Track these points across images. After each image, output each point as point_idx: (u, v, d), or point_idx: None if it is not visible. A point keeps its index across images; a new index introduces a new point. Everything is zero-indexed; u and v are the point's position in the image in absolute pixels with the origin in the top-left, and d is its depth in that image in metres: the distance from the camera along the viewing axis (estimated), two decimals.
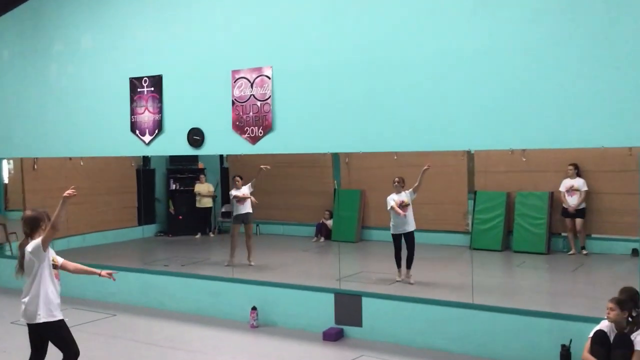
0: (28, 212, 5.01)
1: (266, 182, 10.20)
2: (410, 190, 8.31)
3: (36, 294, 4.79)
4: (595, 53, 5.73)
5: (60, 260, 5.12)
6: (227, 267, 9.40)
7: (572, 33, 5.82)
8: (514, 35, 6.08)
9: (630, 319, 5.13)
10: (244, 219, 9.85)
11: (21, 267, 4.87)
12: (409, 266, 8.26)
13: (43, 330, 4.83)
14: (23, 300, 4.85)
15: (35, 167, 10.12)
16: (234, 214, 10.00)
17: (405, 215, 8.18)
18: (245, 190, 9.81)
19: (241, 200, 9.74)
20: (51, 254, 4.94)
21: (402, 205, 8.21)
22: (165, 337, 7.19)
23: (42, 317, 4.78)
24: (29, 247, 4.79)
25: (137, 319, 7.91)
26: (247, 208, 9.82)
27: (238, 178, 9.93)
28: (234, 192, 9.82)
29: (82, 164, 10.03)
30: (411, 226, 8.30)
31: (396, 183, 8.34)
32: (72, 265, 5.22)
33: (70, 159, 9.70)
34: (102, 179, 11.71)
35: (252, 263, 9.74)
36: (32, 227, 4.88)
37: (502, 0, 6.14)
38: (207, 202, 12.97)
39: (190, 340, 7.08)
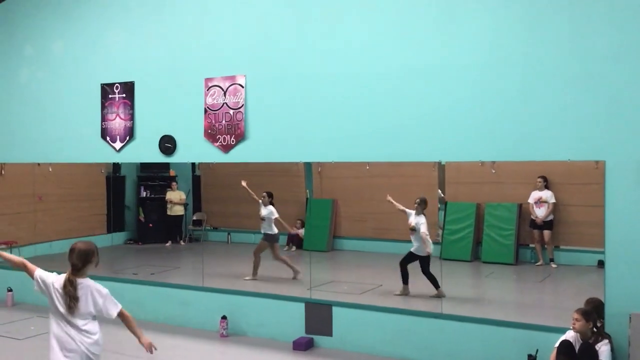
0: (81, 244, 4.62)
1: (237, 190, 10.16)
2: (421, 225, 8.02)
3: (99, 330, 4.66)
4: (563, 68, 5.87)
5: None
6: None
7: (539, 47, 5.96)
8: (484, 49, 6.21)
9: (594, 329, 5.23)
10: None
11: (72, 304, 4.45)
12: (435, 286, 8.01)
13: None
14: (89, 341, 4.58)
15: (3, 172, 9.94)
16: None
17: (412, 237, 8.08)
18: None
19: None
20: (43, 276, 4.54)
21: (410, 228, 8.10)
22: (134, 346, 7.07)
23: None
24: (103, 293, 4.63)
25: (104, 328, 7.75)
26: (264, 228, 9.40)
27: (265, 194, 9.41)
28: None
29: (50, 170, 9.88)
30: (414, 247, 8.13)
31: (416, 205, 8.08)
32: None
33: (39, 165, 9.55)
34: (71, 185, 11.55)
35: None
36: (85, 261, 4.57)
37: (471, 14, 6.27)
38: (178, 210, 12.87)
39: (159, 349, 6.98)
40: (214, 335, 7.41)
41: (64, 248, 12.12)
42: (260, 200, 9.35)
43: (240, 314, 7.49)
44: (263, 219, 9.30)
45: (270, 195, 9.39)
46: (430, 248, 8.10)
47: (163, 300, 8.08)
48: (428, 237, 8.06)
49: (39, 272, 4.51)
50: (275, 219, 9.25)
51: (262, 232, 9.40)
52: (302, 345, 6.88)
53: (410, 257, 8.13)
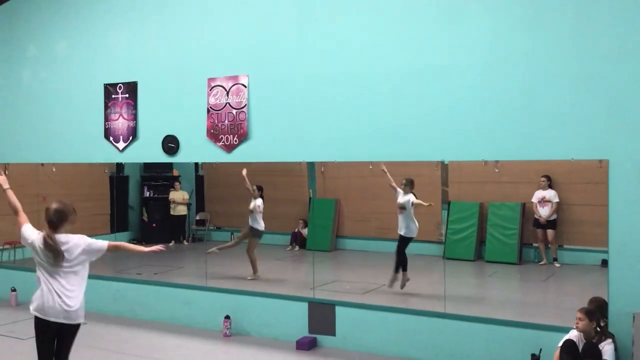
0: (55, 204, 4.73)
1: (240, 190, 10.16)
2: (412, 199, 8.15)
3: (80, 292, 4.64)
4: (565, 67, 5.86)
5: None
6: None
7: (541, 47, 5.95)
8: (486, 48, 6.20)
9: (598, 328, 5.23)
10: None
11: (58, 257, 4.57)
12: (403, 269, 8.16)
13: (68, 331, 4.65)
14: (62, 296, 4.56)
15: (7, 172, 9.95)
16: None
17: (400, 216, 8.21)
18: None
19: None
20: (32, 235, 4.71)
21: (398, 207, 8.21)
22: (137, 346, 7.12)
23: (81, 318, 4.65)
24: (85, 245, 4.65)
25: (108, 328, 7.82)
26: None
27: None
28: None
29: (54, 170, 9.90)
30: (403, 231, 8.25)
31: (403, 185, 8.24)
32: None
33: (42, 165, 9.57)
34: (75, 185, 11.55)
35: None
36: (59, 218, 4.67)
37: (472, 14, 6.26)
38: (181, 210, 12.88)
39: (163, 349, 7.02)
40: (217, 335, 7.41)
41: None
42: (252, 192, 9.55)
43: (243, 313, 7.49)
44: (252, 211, 9.43)
45: (260, 188, 9.55)
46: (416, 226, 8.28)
47: (166, 300, 8.09)
48: (421, 202, 8.21)
49: (24, 229, 4.74)
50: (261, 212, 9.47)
51: (250, 224, 9.51)
52: (306, 345, 6.88)
53: (405, 242, 8.21)
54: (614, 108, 5.67)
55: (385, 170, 8.28)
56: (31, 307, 4.66)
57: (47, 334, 4.64)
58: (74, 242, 4.68)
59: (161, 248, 4.96)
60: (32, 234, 4.72)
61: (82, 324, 4.74)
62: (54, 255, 4.57)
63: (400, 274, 8.16)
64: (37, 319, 4.64)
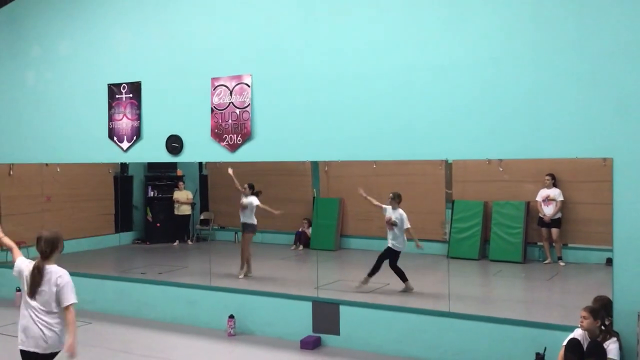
0: (46, 232, 4.77)
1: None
2: (405, 220, 8.16)
3: (60, 321, 4.65)
4: (570, 66, 5.85)
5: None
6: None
7: (547, 45, 5.94)
8: (491, 47, 6.19)
9: (602, 327, 5.21)
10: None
11: (34, 289, 4.61)
12: (402, 279, 8.16)
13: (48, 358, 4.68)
14: (42, 327, 4.59)
15: (11, 173, 9.99)
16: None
17: (389, 232, 8.18)
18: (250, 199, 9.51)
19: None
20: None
21: (390, 223, 8.19)
22: (142, 345, 7.13)
23: (58, 347, 4.66)
24: (65, 280, 4.62)
25: (113, 327, 7.84)
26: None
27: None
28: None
29: (58, 170, 9.93)
30: (390, 243, 8.25)
31: (390, 199, 8.24)
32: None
33: (47, 165, 9.60)
34: (79, 185, 11.60)
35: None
36: (52, 247, 4.70)
37: (477, 12, 6.25)
38: (185, 210, 12.90)
39: (167, 348, 7.03)
40: (222, 334, 7.42)
41: (73, 248, 12.26)
42: (242, 191, 9.46)
43: (247, 313, 7.50)
44: (245, 207, 9.37)
45: (251, 187, 9.51)
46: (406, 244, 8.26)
47: (171, 300, 8.10)
48: (413, 232, 8.23)
49: (18, 261, 4.80)
50: (257, 206, 9.37)
51: (242, 221, 9.43)
52: (310, 344, 6.89)
53: (397, 255, 8.19)
54: (618, 106, 5.65)
55: (365, 195, 8.31)
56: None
57: None
58: (55, 276, 4.66)
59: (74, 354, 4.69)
60: (21, 263, 4.80)
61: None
62: (32, 283, 4.64)
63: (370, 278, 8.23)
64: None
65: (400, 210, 8.22)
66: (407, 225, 8.18)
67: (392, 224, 8.19)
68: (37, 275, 4.63)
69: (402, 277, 8.14)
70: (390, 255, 8.22)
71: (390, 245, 8.23)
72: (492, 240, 10.36)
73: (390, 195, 8.29)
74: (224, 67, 7.70)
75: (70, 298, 4.61)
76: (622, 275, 5.65)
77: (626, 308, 5.55)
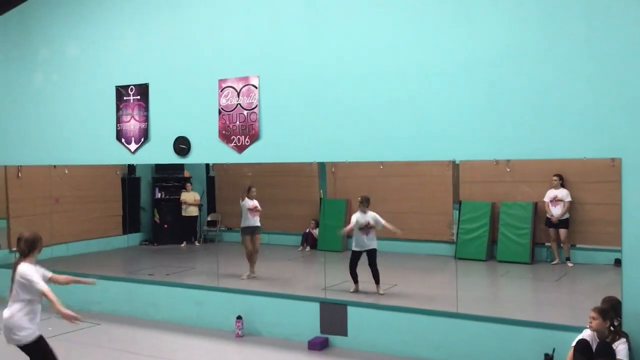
0: (27, 233, 5.10)
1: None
2: (379, 219, 8.22)
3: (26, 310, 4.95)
4: (578, 66, 5.82)
5: (49, 274, 5.14)
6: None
7: (555, 45, 5.91)
8: (498, 47, 6.17)
9: (612, 328, 5.19)
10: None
11: (10, 285, 4.98)
12: (377, 282, 8.18)
13: (32, 348, 4.92)
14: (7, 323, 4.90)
15: (20, 175, 10.04)
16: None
17: (367, 236, 8.21)
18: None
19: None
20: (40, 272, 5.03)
21: (367, 227, 8.20)
22: (150, 346, 7.15)
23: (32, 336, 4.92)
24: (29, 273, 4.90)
25: (121, 328, 7.86)
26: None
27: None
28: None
29: (66, 172, 9.97)
30: (374, 244, 8.28)
31: (359, 203, 8.29)
32: (62, 277, 5.27)
33: (55, 167, 9.64)
34: (87, 187, 11.64)
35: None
36: (30, 247, 5.02)
37: (485, 12, 6.24)
38: (193, 211, 12.92)
39: (175, 349, 7.05)
40: (230, 335, 7.43)
41: (81, 250, 12.31)
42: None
43: (255, 314, 7.50)
44: (249, 210, 9.52)
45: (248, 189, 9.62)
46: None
47: (178, 301, 8.12)
48: (388, 224, 8.24)
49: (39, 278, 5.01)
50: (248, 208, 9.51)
51: (253, 224, 9.53)
52: (317, 345, 6.89)
53: (375, 253, 8.25)
54: (626, 107, 5.63)
55: (347, 229, 8.41)
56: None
57: None
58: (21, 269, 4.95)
59: (77, 318, 4.94)
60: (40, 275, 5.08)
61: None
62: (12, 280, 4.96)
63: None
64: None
65: (370, 212, 8.25)
66: (383, 222, 8.22)
67: (370, 227, 8.21)
68: (13, 273, 4.94)
69: (378, 279, 8.18)
70: (375, 256, 8.26)
71: (373, 247, 8.25)
72: (499, 241, 10.33)
73: (359, 199, 8.33)
74: (231, 68, 7.72)
75: (40, 281, 4.88)
76: (631, 275, 5.62)
77: (635, 309, 5.52)
